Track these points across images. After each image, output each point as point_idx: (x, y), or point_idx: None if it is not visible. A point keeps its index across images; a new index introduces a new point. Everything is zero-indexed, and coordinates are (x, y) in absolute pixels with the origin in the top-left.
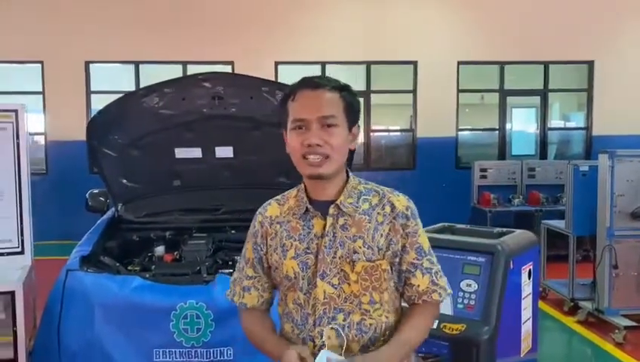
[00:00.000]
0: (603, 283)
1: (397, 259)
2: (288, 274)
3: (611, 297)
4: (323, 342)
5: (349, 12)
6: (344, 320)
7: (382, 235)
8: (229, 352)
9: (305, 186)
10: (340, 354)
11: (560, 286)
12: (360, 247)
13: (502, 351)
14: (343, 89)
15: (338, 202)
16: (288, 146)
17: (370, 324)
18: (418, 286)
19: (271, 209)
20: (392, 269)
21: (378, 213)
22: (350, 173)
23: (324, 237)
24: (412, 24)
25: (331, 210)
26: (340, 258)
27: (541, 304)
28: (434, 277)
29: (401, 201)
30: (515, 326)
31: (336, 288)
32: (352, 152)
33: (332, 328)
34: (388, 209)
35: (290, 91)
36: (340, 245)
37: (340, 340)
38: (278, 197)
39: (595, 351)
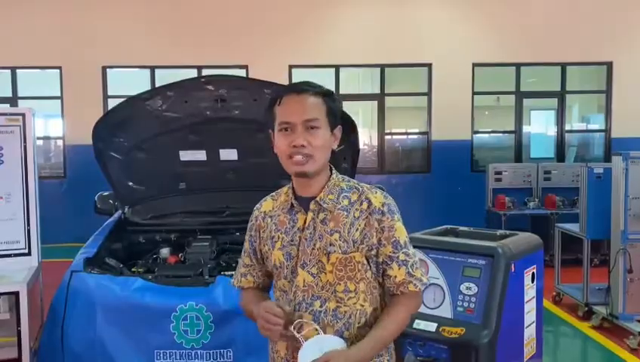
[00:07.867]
0: (617, 287)
1: (373, 252)
2: (275, 263)
3: (626, 302)
4: (300, 324)
5: (362, 15)
6: (320, 306)
7: (357, 230)
8: (228, 354)
9: (292, 184)
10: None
11: (575, 291)
12: (336, 240)
13: (503, 356)
14: (325, 94)
15: (318, 198)
16: (275, 147)
17: (345, 312)
18: (395, 277)
19: (266, 204)
20: (369, 262)
21: (356, 209)
22: (334, 171)
23: (305, 230)
24: (426, 26)
25: (312, 206)
26: (318, 249)
27: (555, 309)
28: (410, 269)
29: (378, 198)
30: (517, 331)
31: (314, 277)
32: (333, 152)
33: (309, 314)
34: (365, 205)
35: (277, 96)
36: (319, 238)
37: (315, 325)
38: (273, 193)
39: (608, 357)
